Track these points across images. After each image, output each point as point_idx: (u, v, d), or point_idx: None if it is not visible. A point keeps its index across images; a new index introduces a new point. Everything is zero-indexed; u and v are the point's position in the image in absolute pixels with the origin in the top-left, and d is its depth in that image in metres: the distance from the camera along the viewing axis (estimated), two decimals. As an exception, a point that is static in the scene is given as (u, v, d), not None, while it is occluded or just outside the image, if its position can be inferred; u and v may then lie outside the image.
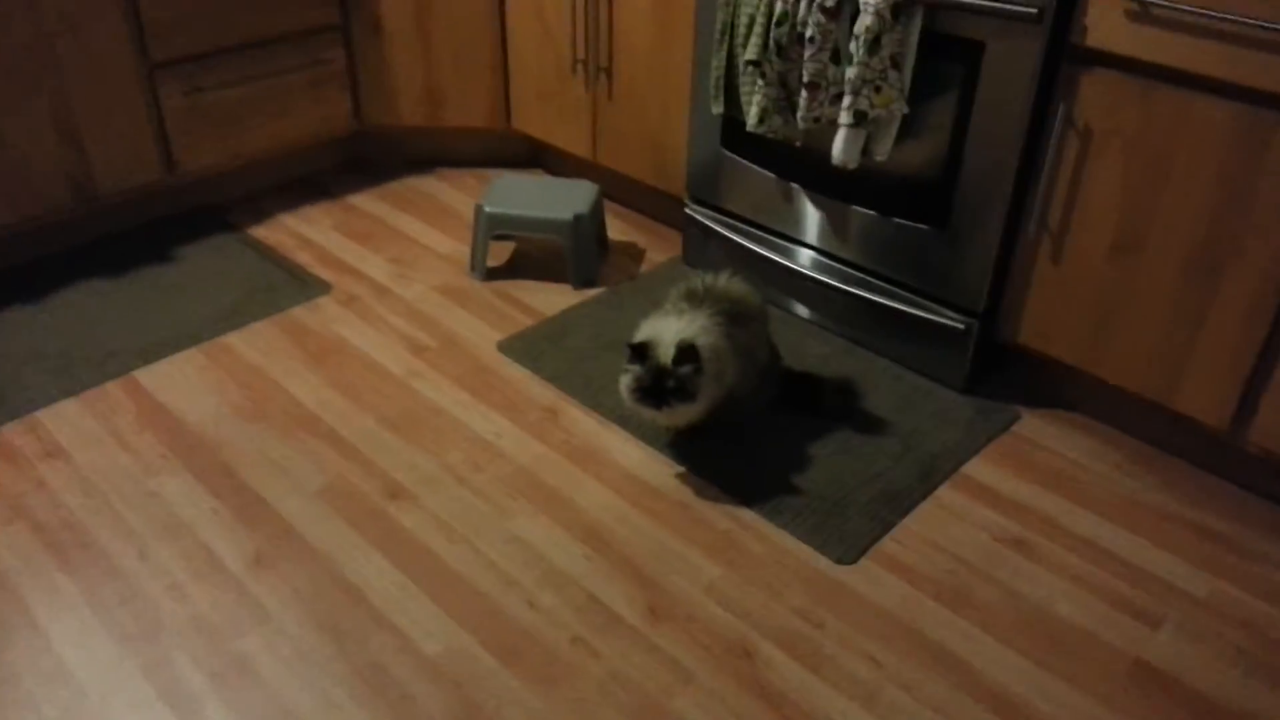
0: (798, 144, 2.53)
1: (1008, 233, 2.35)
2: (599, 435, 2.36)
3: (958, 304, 2.46)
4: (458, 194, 3.44)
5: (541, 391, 2.50)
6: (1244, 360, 2.09)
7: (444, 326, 2.74)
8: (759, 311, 2.34)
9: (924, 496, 2.20)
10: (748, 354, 2.27)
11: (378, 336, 2.69)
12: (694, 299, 2.27)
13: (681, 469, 2.26)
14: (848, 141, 2.34)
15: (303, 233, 3.16)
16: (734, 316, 2.25)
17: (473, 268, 2.97)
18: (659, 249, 3.16)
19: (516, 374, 2.57)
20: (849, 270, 2.64)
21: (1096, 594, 1.97)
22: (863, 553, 2.05)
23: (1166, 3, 1.95)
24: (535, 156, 3.68)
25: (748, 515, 2.13)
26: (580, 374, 2.55)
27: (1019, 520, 2.15)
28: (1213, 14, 1.90)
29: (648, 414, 2.16)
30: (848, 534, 2.09)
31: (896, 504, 2.18)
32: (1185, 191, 2.06)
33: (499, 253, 3.11)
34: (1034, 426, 2.43)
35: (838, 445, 2.34)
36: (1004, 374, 2.59)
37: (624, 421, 2.37)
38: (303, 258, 3.03)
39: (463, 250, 3.10)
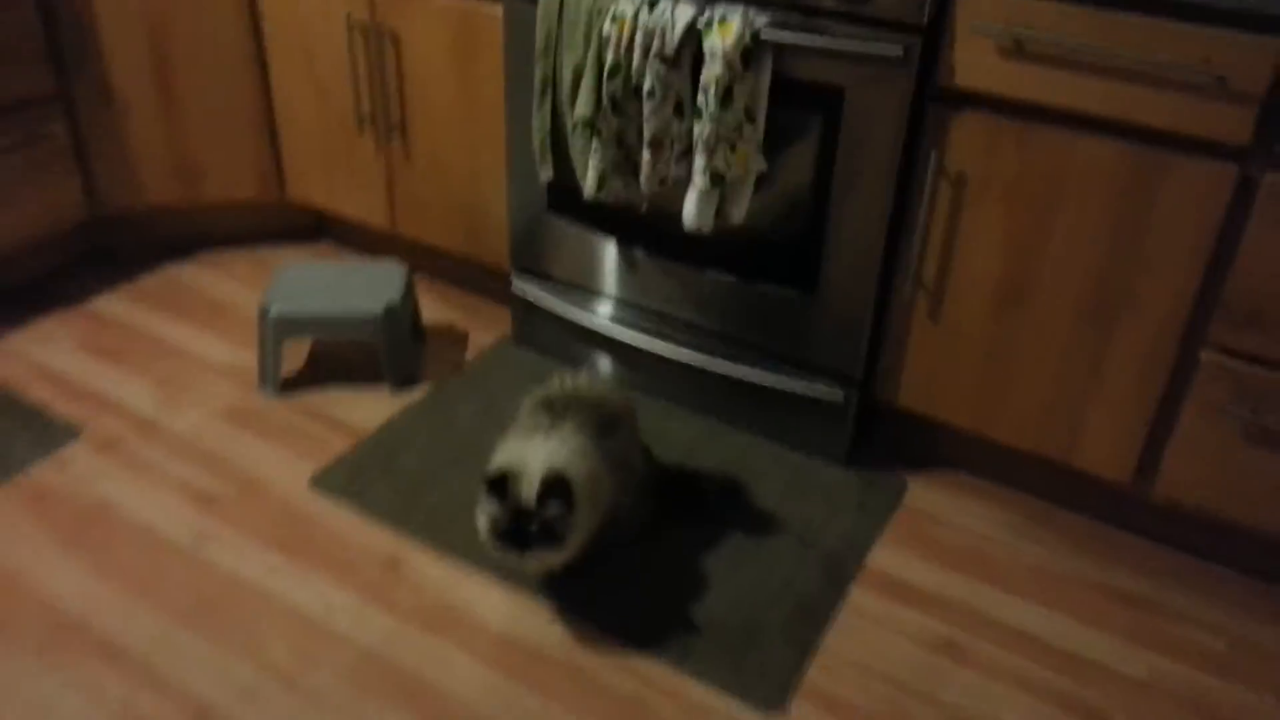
0: (642, 208, 2.21)
1: (882, 291, 2.13)
2: (456, 587, 1.94)
3: (832, 372, 2.22)
4: (231, 283, 2.90)
5: (375, 537, 2.06)
6: (1144, 409, 1.96)
7: (236, 465, 2.23)
8: (627, 412, 2.00)
9: (837, 603, 1.94)
10: (624, 466, 1.93)
11: (150, 491, 2.14)
12: (553, 410, 1.90)
13: (563, 618, 1.89)
14: (701, 204, 2.04)
15: (38, 358, 2.54)
16: (602, 425, 1.90)
17: (263, 381, 2.46)
18: (483, 329, 2.76)
19: (340, 518, 2.11)
20: (707, 343, 2.35)
21: (1041, 697, 1.77)
22: (791, 691, 1.76)
23: (1043, 35, 1.76)
24: (319, 228, 3.18)
25: (652, 668, 1.79)
26: (420, 506, 2.13)
27: (940, 617, 1.93)
28: (1093, 47, 1.73)
29: (511, 560, 1.78)
30: (769, 669, 1.80)
31: (812, 619, 1.91)
32: (1072, 237, 1.89)
33: (293, 356, 2.61)
34: (925, 497, 2.23)
35: (732, 553, 2.04)
36: (884, 432, 2.37)
37: (482, 561, 1.97)
38: (40, 393, 2.42)
39: (247, 358, 2.58)
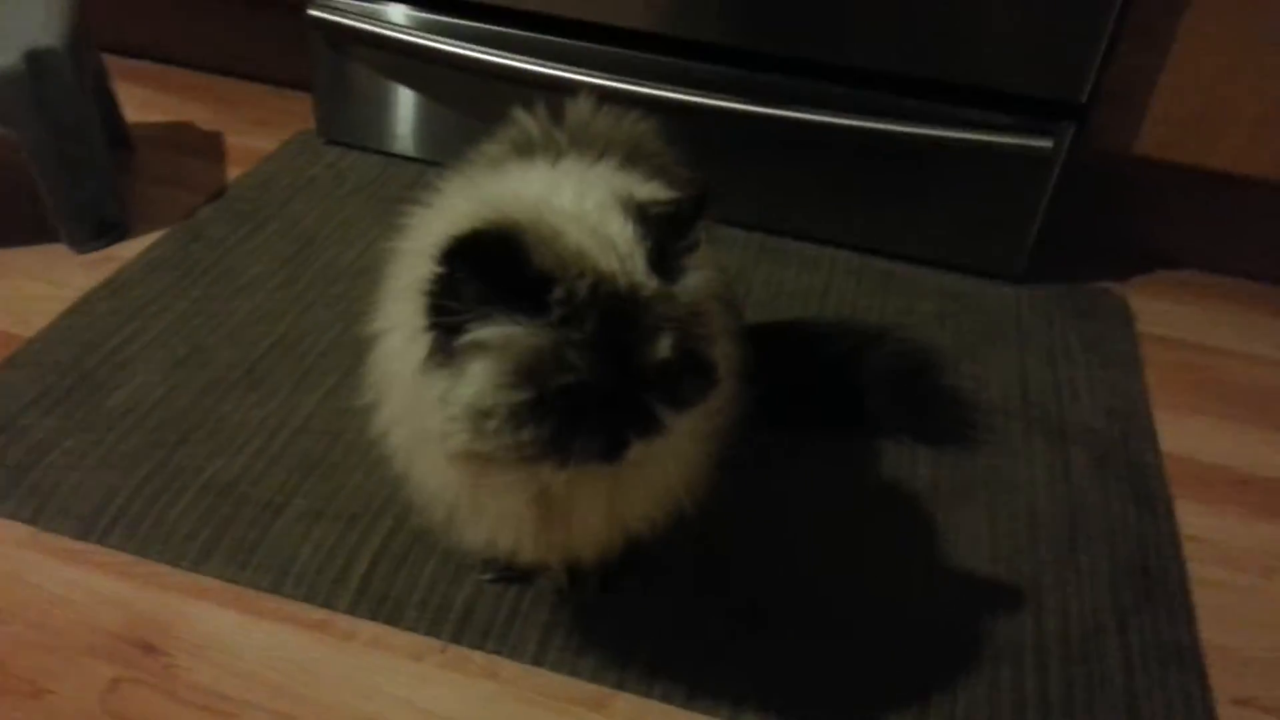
0: None
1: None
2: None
3: (1031, 101, 1.14)
4: None
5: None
6: None
7: None
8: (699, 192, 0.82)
9: (1175, 546, 0.91)
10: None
11: None
12: (552, 144, 0.72)
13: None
14: None
15: None
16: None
17: None
18: (252, 125, 1.44)
19: None
20: (770, 84, 1.20)
21: None
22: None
23: None
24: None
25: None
26: (132, 516, 0.86)
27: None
28: None
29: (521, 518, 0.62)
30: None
31: (1167, 599, 0.86)
32: None
33: None
34: (1167, 318, 1.23)
35: (944, 494, 0.95)
36: (1069, 223, 1.33)
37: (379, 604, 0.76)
38: None
39: None
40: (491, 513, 0.65)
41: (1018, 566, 0.88)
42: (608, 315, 0.56)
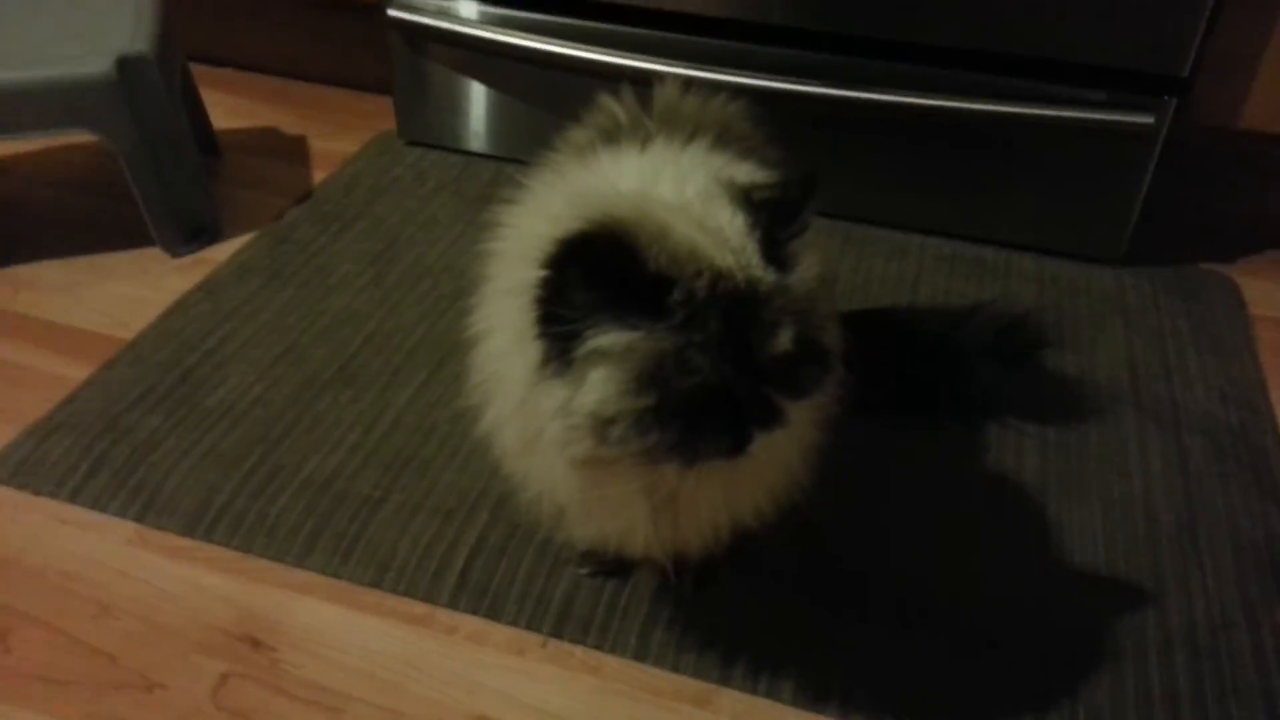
0: None
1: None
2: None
3: (1131, 76, 1.10)
4: None
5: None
6: None
7: None
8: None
9: None
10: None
11: None
12: (640, 128, 0.70)
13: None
14: None
15: None
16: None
17: None
18: (336, 130, 1.45)
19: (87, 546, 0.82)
20: (869, 69, 1.17)
21: None
22: None
23: None
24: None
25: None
26: (235, 513, 0.87)
27: None
28: None
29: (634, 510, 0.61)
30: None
31: None
32: None
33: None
34: (1277, 301, 1.17)
35: (1056, 485, 0.91)
36: (1175, 203, 1.28)
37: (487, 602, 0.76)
38: None
39: None
40: (605, 510, 0.63)
41: (1136, 560, 0.85)
42: (729, 314, 0.54)
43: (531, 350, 0.57)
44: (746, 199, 0.58)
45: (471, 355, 0.68)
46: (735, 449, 0.56)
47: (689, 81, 0.80)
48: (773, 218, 0.57)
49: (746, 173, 0.65)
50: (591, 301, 0.53)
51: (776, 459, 0.62)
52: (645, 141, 0.69)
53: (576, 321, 0.54)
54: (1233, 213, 1.28)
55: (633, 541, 0.65)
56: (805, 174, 0.59)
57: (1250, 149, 1.20)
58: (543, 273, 0.54)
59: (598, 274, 0.53)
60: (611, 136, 0.71)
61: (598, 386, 0.54)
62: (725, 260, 0.55)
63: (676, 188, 0.60)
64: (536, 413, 0.58)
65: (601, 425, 0.55)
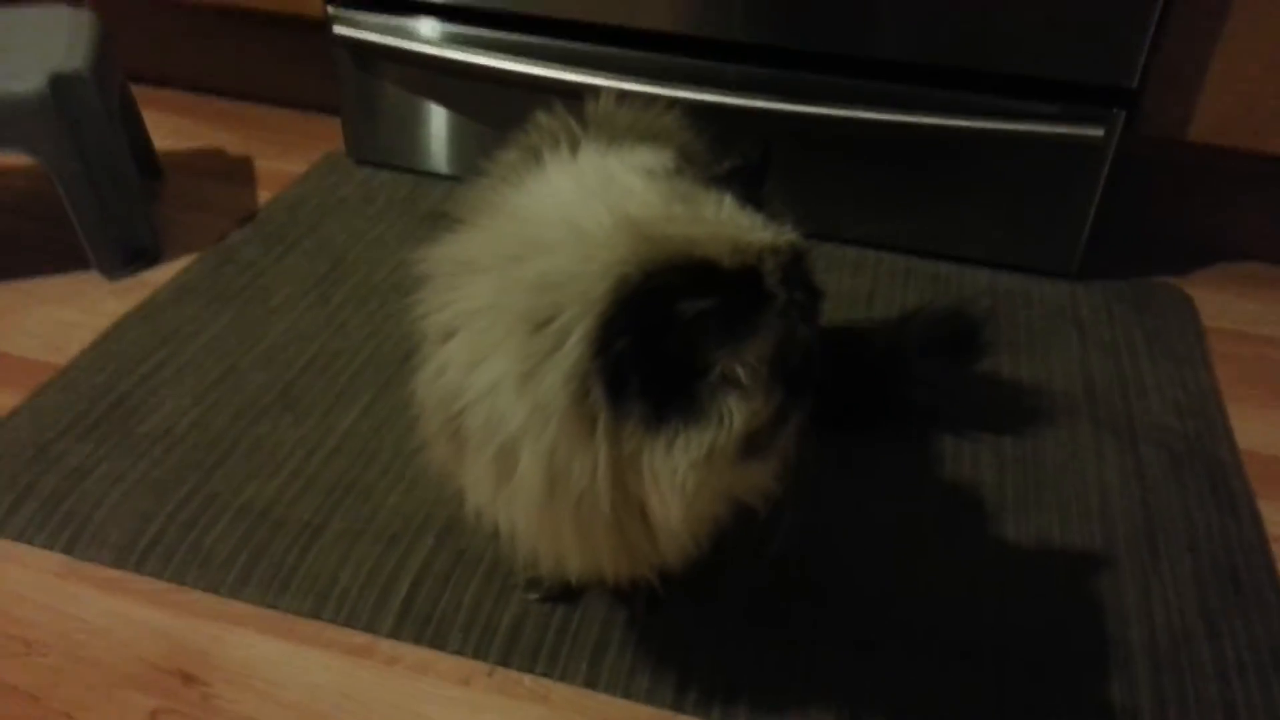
0: None
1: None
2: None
3: (1076, 88, 1.10)
4: None
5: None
6: None
7: None
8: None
9: (1262, 547, 0.86)
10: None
11: None
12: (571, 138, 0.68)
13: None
14: None
15: None
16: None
17: None
18: (280, 149, 1.42)
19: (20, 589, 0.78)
20: (819, 85, 1.16)
21: None
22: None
23: None
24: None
25: None
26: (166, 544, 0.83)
27: None
28: None
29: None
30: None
31: (1260, 603, 0.81)
32: None
33: None
34: (1233, 312, 1.18)
35: (1013, 490, 0.90)
36: (1122, 216, 1.28)
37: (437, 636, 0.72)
38: None
39: None
40: (580, 543, 0.59)
41: (1094, 572, 0.83)
42: (803, 278, 0.56)
43: (603, 422, 0.53)
44: (715, 180, 0.59)
45: (435, 399, 0.61)
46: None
47: (653, 98, 0.79)
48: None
49: (668, 160, 0.64)
50: (710, 329, 0.53)
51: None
52: (574, 150, 0.66)
53: (696, 359, 0.53)
54: (1185, 226, 1.29)
55: (612, 564, 0.62)
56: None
57: (1200, 161, 1.21)
58: (623, 340, 0.51)
59: (701, 306, 0.52)
60: (540, 153, 0.69)
61: (742, 404, 0.54)
62: (756, 235, 0.55)
63: (663, 199, 0.57)
64: (634, 479, 0.55)
65: (747, 441, 0.55)
